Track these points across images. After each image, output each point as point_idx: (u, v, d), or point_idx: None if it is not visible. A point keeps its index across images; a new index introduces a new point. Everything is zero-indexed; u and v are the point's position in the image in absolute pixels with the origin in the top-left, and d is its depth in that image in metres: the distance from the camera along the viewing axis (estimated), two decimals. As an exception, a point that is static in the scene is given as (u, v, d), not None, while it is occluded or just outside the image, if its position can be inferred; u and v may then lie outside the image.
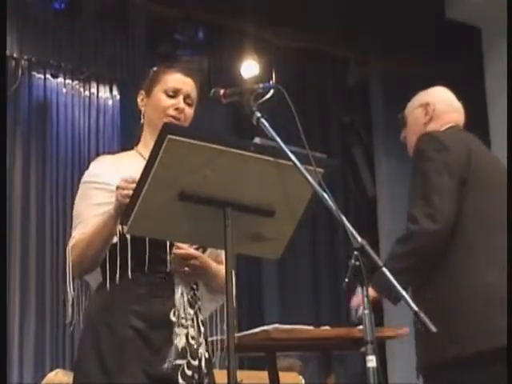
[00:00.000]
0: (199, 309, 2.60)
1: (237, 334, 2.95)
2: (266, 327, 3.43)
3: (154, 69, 2.77)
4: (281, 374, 3.81)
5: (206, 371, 2.55)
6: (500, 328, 2.88)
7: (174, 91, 2.67)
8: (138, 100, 2.74)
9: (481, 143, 3.32)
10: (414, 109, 3.40)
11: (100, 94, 7.52)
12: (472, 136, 3.30)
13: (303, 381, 4.56)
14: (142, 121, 2.72)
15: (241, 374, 3.45)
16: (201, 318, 2.60)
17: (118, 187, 2.36)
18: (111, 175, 2.55)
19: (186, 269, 2.53)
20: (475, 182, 3.10)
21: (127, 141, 2.81)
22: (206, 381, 2.54)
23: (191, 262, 2.53)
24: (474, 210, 3.06)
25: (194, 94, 2.71)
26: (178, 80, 2.69)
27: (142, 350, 2.45)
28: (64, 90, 7.34)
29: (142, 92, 2.73)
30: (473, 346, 2.91)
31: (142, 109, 2.72)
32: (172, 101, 2.66)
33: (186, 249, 2.52)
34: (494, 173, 3.22)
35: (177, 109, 2.65)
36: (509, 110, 6.00)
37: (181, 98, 2.67)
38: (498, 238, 3.06)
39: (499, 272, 2.98)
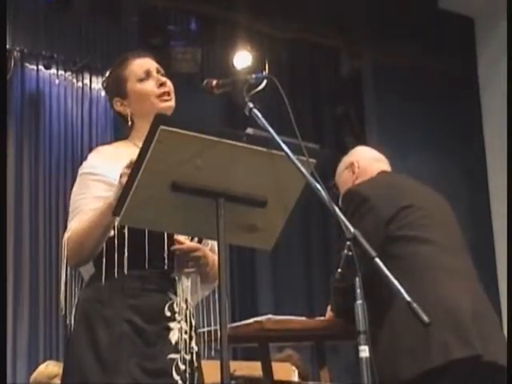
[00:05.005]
0: (190, 302, 2.60)
1: (230, 325, 2.95)
2: (259, 318, 3.44)
3: (110, 73, 2.75)
4: (274, 364, 3.82)
5: (196, 365, 2.55)
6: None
7: (145, 73, 2.65)
8: (119, 109, 2.68)
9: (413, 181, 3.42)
10: (341, 173, 3.53)
11: (93, 85, 7.50)
12: (404, 176, 3.46)
13: (296, 372, 4.56)
14: (129, 123, 2.66)
15: (234, 365, 3.45)
16: (192, 311, 2.60)
17: (122, 175, 2.30)
18: (110, 167, 2.51)
19: (191, 262, 2.53)
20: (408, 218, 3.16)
21: (120, 131, 2.78)
22: (196, 374, 2.54)
23: (195, 255, 2.53)
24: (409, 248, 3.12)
25: (159, 67, 2.70)
26: (141, 63, 2.68)
27: (138, 344, 2.44)
28: (57, 81, 7.32)
29: (117, 99, 2.68)
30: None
31: (128, 112, 2.66)
32: (151, 82, 2.64)
33: (186, 243, 2.51)
34: (432, 203, 3.30)
35: (161, 84, 2.64)
36: (509, 104, 6.00)
37: (154, 74, 2.66)
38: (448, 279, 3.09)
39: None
